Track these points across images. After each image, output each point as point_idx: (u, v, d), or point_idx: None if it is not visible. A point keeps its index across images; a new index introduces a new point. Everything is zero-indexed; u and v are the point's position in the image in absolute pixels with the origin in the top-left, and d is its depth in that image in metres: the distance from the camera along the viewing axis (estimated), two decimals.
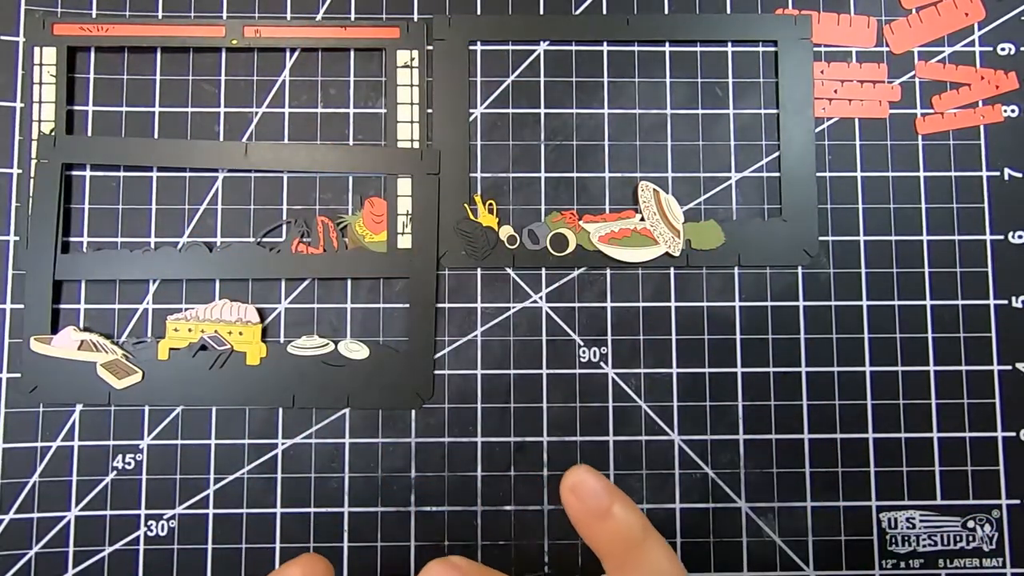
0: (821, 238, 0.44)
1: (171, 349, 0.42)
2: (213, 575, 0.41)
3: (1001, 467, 0.43)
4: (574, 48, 0.45)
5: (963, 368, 0.43)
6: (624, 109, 0.45)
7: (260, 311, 0.43)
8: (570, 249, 0.43)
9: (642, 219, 0.43)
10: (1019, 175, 0.44)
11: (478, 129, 0.44)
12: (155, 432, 0.42)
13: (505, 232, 0.44)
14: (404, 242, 0.43)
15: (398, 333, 0.43)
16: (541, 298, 0.44)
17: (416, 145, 0.44)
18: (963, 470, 0.43)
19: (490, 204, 0.44)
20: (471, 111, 0.44)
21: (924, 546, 0.42)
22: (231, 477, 0.42)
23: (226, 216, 0.44)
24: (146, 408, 0.42)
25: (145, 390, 0.42)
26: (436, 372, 0.43)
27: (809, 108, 0.44)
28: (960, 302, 0.44)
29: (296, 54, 0.44)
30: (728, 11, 0.45)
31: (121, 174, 0.44)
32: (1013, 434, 0.43)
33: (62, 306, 0.43)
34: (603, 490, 0.23)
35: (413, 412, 0.43)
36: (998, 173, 0.45)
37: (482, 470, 0.42)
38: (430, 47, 0.44)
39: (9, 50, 0.44)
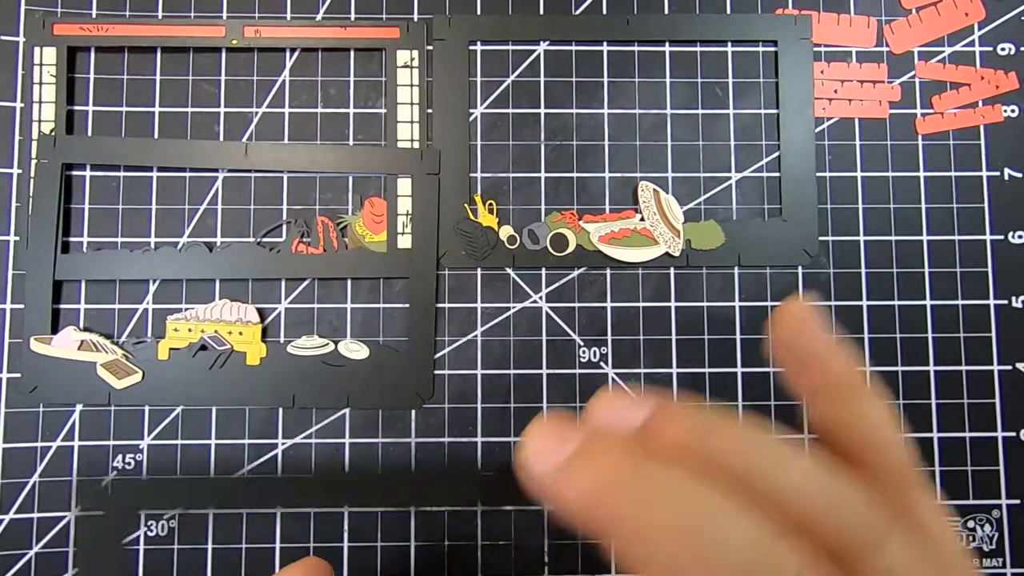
0: (821, 238, 0.44)
1: (171, 349, 0.42)
2: (213, 575, 0.41)
3: (1001, 467, 0.43)
4: (574, 48, 0.45)
5: (963, 368, 0.43)
6: (624, 109, 0.45)
7: (260, 311, 0.43)
8: (570, 249, 0.43)
9: (642, 219, 0.43)
10: (1019, 175, 0.44)
11: (478, 129, 0.44)
12: (155, 432, 0.42)
13: (505, 232, 0.44)
14: (404, 242, 0.43)
15: (398, 333, 0.43)
16: (541, 298, 0.44)
17: (416, 145, 0.44)
18: (963, 470, 0.43)
19: (490, 204, 0.44)
20: (471, 111, 0.44)
21: None
22: (231, 477, 0.42)
23: (226, 216, 0.44)
24: (146, 408, 0.42)
25: (145, 390, 0.42)
26: (436, 372, 0.43)
27: (809, 108, 0.44)
28: (960, 302, 0.44)
29: (296, 54, 0.44)
30: (728, 11, 0.45)
31: (121, 174, 0.44)
32: (1013, 434, 0.43)
33: (62, 306, 0.43)
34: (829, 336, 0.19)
35: (413, 412, 0.43)
36: (998, 173, 0.45)
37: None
38: (430, 47, 0.44)
39: (9, 50, 0.44)
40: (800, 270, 0.44)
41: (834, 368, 0.18)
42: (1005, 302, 0.44)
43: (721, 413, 0.16)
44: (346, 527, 0.42)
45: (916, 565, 0.15)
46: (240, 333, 0.42)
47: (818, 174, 0.44)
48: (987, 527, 0.42)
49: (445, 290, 0.43)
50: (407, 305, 0.43)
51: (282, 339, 0.43)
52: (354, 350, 0.42)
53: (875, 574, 0.15)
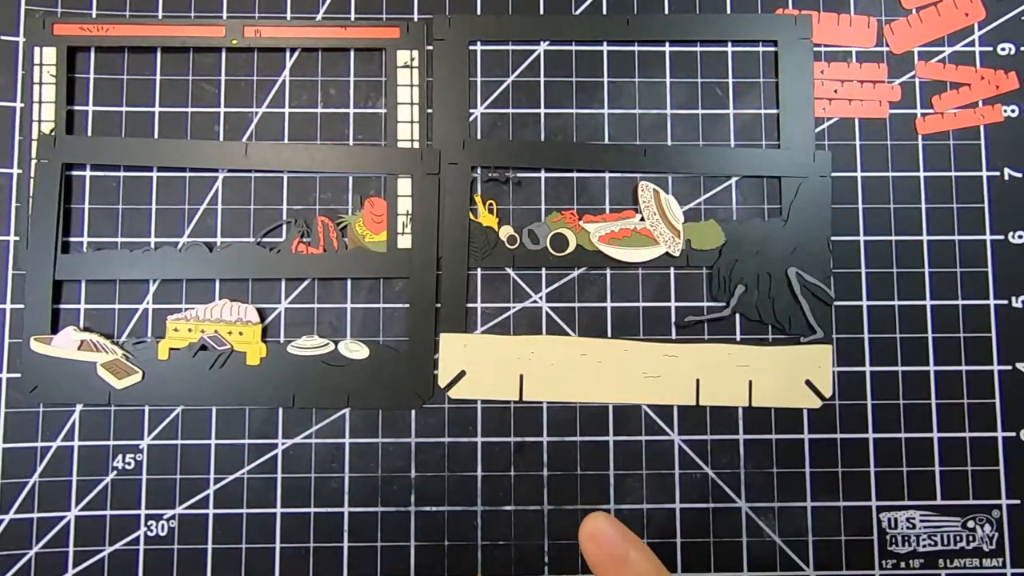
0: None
1: (171, 349, 0.42)
2: (213, 575, 0.41)
3: (1001, 467, 0.43)
4: (574, 48, 0.45)
5: (963, 368, 0.43)
6: (624, 109, 0.45)
7: (260, 311, 0.43)
8: (570, 249, 0.43)
9: (642, 219, 0.43)
10: (1019, 175, 0.44)
11: (478, 129, 0.44)
12: (155, 432, 0.42)
13: (505, 232, 0.44)
14: (404, 242, 0.43)
15: (398, 333, 0.43)
16: (541, 298, 0.44)
17: (416, 145, 0.44)
18: (963, 470, 0.43)
19: (490, 204, 0.44)
20: (471, 111, 0.44)
21: (924, 546, 0.42)
22: (231, 477, 0.42)
23: (226, 216, 0.44)
24: (146, 408, 0.42)
25: (145, 390, 0.42)
26: (436, 372, 0.43)
27: (809, 108, 0.44)
28: (960, 302, 0.44)
29: (296, 54, 0.44)
30: (728, 11, 0.45)
31: (121, 174, 0.44)
32: (1013, 434, 0.43)
33: (62, 306, 0.43)
34: (620, 537, 0.25)
35: (413, 412, 0.43)
36: (998, 173, 0.45)
37: (482, 470, 0.42)
38: (430, 47, 0.44)
39: (9, 50, 0.44)
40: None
41: (632, 570, 0.23)
42: (1005, 302, 0.44)
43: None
44: (346, 527, 0.42)
45: None
46: (240, 333, 0.42)
47: (819, 175, 0.44)
48: (987, 527, 0.42)
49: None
50: (407, 305, 0.43)
51: (282, 339, 0.43)
52: (354, 350, 0.42)
53: None
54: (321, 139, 0.44)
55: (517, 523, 0.42)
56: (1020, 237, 0.44)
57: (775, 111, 0.45)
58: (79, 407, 0.42)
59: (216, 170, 0.44)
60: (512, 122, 0.44)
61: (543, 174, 0.44)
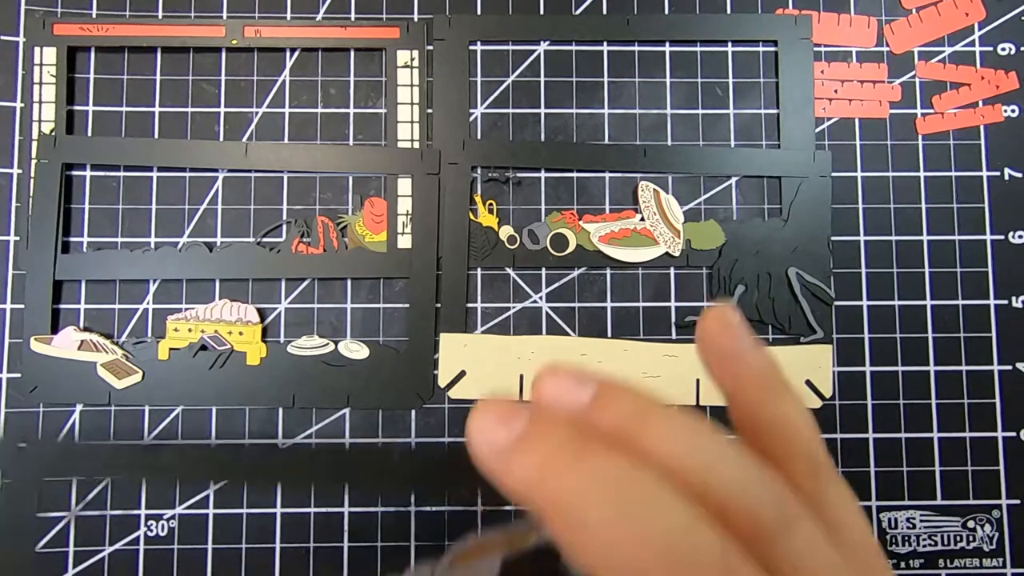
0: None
1: (171, 349, 0.42)
2: (213, 575, 0.41)
3: (1001, 467, 0.43)
4: (574, 48, 0.45)
5: (963, 368, 0.43)
6: (624, 109, 0.45)
7: (260, 311, 0.43)
8: (570, 249, 0.43)
9: (642, 219, 0.43)
10: (1019, 175, 0.44)
11: (478, 129, 0.44)
12: (155, 432, 0.42)
13: (505, 232, 0.44)
14: (404, 242, 0.43)
15: (398, 333, 0.43)
16: (541, 298, 0.44)
17: (416, 145, 0.44)
18: (963, 470, 0.43)
19: (490, 204, 0.44)
20: (471, 111, 0.44)
21: (924, 546, 0.42)
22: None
23: (226, 216, 0.44)
24: (146, 408, 0.42)
25: (145, 390, 0.42)
26: (436, 372, 0.43)
27: (809, 108, 0.44)
28: (960, 302, 0.44)
29: (296, 54, 0.44)
30: (728, 11, 0.45)
31: (121, 174, 0.44)
32: (1013, 434, 0.43)
33: (62, 306, 0.43)
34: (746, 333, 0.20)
35: (413, 412, 0.43)
36: (998, 173, 0.45)
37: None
38: (430, 47, 0.44)
39: (9, 50, 0.44)
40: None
41: (752, 367, 0.19)
42: (1005, 302, 0.44)
43: (658, 401, 0.17)
44: (346, 527, 0.42)
45: (823, 550, 0.16)
46: (240, 333, 0.42)
47: (819, 174, 0.44)
48: (987, 527, 0.42)
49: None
50: (407, 305, 0.43)
51: (282, 339, 0.43)
52: (354, 350, 0.42)
53: (784, 556, 0.16)
54: (321, 139, 0.44)
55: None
56: (1020, 237, 0.44)
57: (775, 111, 0.45)
58: (79, 407, 0.42)
59: (216, 170, 0.44)
60: (512, 122, 0.44)
61: (543, 174, 0.44)
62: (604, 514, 0.15)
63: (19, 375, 0.42)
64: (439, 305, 0.43)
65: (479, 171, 0.44)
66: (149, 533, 0.41)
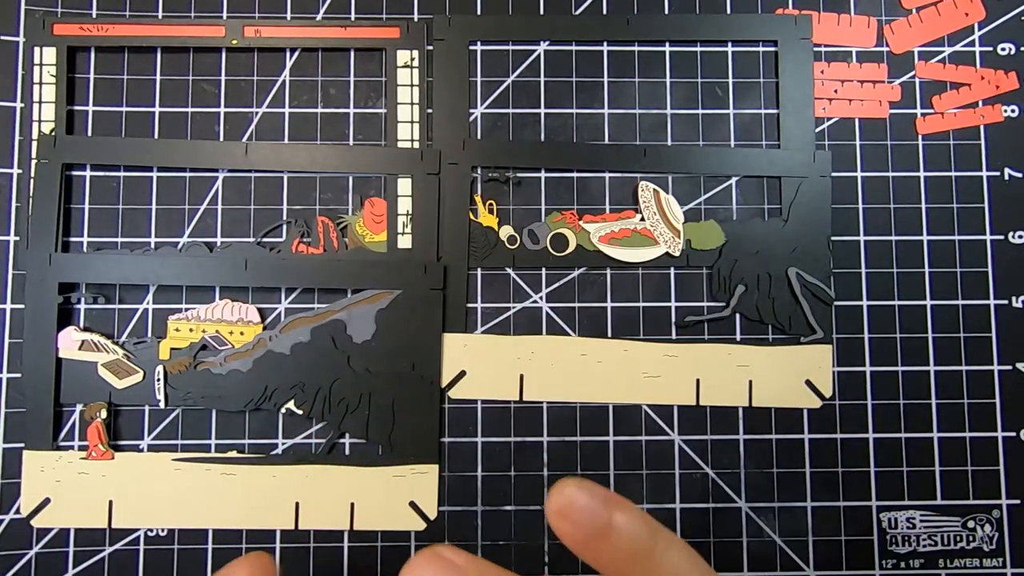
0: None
1: (172, 349, 0.42)
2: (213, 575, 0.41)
3: (1001, 467, 0.43)
4: (574, 48, 0.45)
5: (963, 368, 0.43)
6: (624, 109, 0.45)
7: (261, 311, 0.43)
8: (570, 249, 0.43)
9: (642, 219, 0.43)
10: (1019, 175, 0.45)
11: (478, 129, 0.44)
12: (155, 432, 0.42)
13: (505, 232, 0.44)
14: (404, 242, 0.43)
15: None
16: (541, 298, 0.44)
17: (416, 145, 0.44)
18: (963, 470, 0.43)
19: (490, 204, 0.44)
20: (471, 111, 0.44)
21: (924, 546, 0.42)
22: None
23: (226, 216, 0.44)
24: (146, 408, 0.42)
25: (146, 390, 0.42)
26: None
27: (809, 108, 0.44)
28: (960, 302, 0.44)
29: (296, 54, 0.45)
30: (728, 11, 0.45)
31: (121, 174, 0.44)
32: (1013, 434, 0.43)
33: (62, 306, 0.43)
34: (598, 503, 0.19)
35: None
36: (998, 173, 0.45)
37: (482, 470, 0.42)
38: (430, 47, 0.44)
39: (9, 50, 0.44)
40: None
41: (619, 540, 0.19)
42: (1005, 302, 0.44)
43: (658, 536, 0.19)
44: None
45: None
46: (241, 333, 0.42)
47: (819, 174, 0.44)
48: (987, 527, 0.42)
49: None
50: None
51: None
52: None
53: None
54: (321, 139, 0.44)
55: (517, 523, 0.42)
56: (1020, 237, 0.44)
57: (775, 111, 0.45)
58: (79, 407, 0.42)
59: (216, 170, 0.44)
60: (512, 122, 0.44)
61: (543, 174, 0.44)
62: None
63: (19, 375, 0.42)
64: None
65: (479, 171, 0.44)
66: (149, 533, 0.41)
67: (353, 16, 0.45)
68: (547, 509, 0.20)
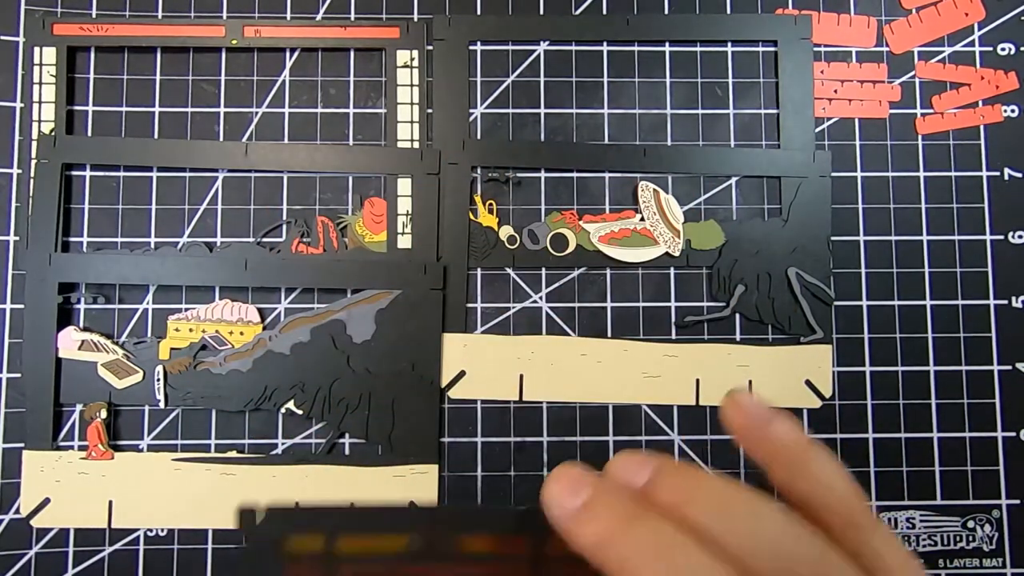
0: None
1: (172, 349, 0.42)
2: (213, 575, 0.41)
3: (1001, 467, 0.43)
4: (574, 48, 0.45)
5: (963, 368, 0.43)
6: (624, 109, 0.45)
7: (260, 311, 0.43)
8: (570, 249, 0.43)
9: (642, 219, 0.43)
10: (1019, 175, 0.44)
11: (478, 129, 0.44)
12: (155, 432, 0.42)
13: (505, 232, 0.44)
14: (404, 242, 0.43)
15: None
16: (541, 298, 0.44)
17: (416, 145, 0.44)
18: (963, 470, 0.43)
19: (490, 204, 0.44)
20: (471, 111, 0.44)
21: (924, 546, 0.42)
22: None
23: (226, 216, 0.44)
24: (146, 408, 0.42)
25: (146, 390, 0.42)
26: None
27: (809, 108, 0.44)
28: (960, 302, 0.44)
29: (296, 54, 0.44)
30: (728, 11, 0.45)
31: (121, 174, 0.44)
32: (1013, 434, 0.43)
33: (62, 306, 0.43)
34: (762, 405, 0.22)
35: None
36: (998, 173, 0.45)
37: (482, 470, 0.42)
38: (430, 47, 0.44)
39: (9, 50, 0.44)
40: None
41: (777, 441, 0.21)
42: (1005, 302, 0.44)
43: (707, 476, 0.19)
44: None
45: None
46: (241, 333, 0.42)
47: (819, 174, 0.44)
48: (987, 527, 0.42)
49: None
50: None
51: None
52: None
53: None
54: (321, 139, 0.44)
55: None
56: (1020, 237, 0.44)
57: (775, 111, 0.45)
58: (79, 407, 0.42)
59: (216, 170, 0.44)
60: (512, 122, 0.44)
61: (543, 174, 0.44)
62: (654, 573, 0.17)
63: (19, 375, 0.42)
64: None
65: (479, 171, 0.44)
66: (149, 533, 0.41)
67: (353, 16, 0.45)
68: (721, 409, 0.22)
